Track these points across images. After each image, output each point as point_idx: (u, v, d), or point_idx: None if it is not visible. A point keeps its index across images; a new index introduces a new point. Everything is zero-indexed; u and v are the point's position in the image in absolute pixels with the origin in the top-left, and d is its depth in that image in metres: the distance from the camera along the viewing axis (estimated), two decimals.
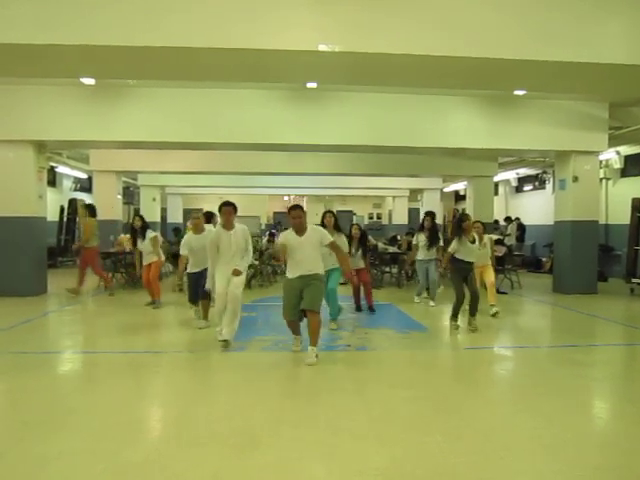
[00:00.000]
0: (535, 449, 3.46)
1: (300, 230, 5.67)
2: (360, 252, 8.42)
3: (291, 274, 5.72)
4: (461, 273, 6.99)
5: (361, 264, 8.39)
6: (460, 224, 7.15)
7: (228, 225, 6.12)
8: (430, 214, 9.47)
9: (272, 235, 13.45)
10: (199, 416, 4.05)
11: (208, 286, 6.27)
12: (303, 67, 6.19)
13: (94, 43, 5.16)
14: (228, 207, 6.11)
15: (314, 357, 5.47)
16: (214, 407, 4.25)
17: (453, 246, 7.01)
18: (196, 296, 7.38)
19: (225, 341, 6.02)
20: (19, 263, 9.86)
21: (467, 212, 7.81)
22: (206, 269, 6.62)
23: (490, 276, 8.15)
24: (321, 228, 6.12)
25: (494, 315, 7.90)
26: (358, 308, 8.53)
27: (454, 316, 7.12)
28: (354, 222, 10.14)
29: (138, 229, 9.04)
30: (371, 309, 8.42)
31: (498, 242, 9.23)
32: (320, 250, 5.78)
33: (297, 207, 5.81)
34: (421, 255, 9.14)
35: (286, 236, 5.80)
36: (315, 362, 5.42)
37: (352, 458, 3.29)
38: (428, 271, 9.24)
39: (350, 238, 8.32)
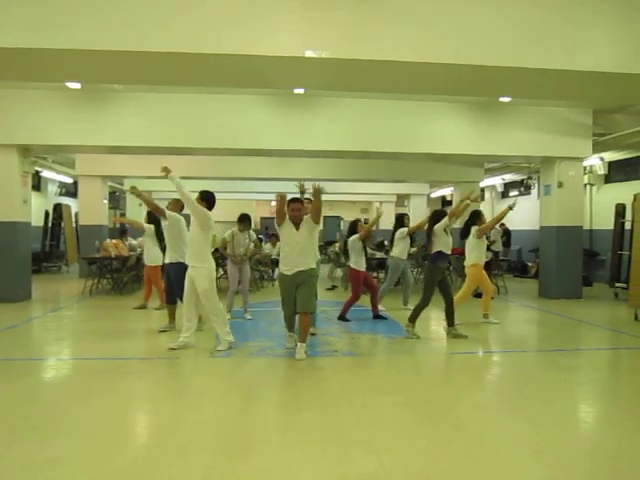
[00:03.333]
0: (524, 454, 3.47)
1: (298, 222, 5.85)
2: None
3: (285, 269, 5.90)
4: (441, 273, 6.90)
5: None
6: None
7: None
8: (406, 214, 9.62)
9: (260, 240, 13.41)
10: (187, 422, 4.02)
11: None
12: (290, 73, 6.19)
13: (83, 48, 5.12)
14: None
15: (303, 353, 5.80)
16: (202, 413, 4.21)
17: (445, 220, 6.86)
18: (171, 296, 7.10)
19: (173, 349, 6.12)
20: (3, 268, 9.75)
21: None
22: (180, 264, 6.52)
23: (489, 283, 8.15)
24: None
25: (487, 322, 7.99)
26: (342, 317, 8.11)
27: (413, 320, 6.91)
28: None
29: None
30: (379, 316, 8.29)
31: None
32: (314, 238, 6.01)
33: (297, 200, 5.93)
34: (401, 253, 9.00)
35: (286, 224, 5.89)
36: (304, 357, 5.76)
37: (340, 464, 3.27)
38: (405, 272, 9.20)
39: (352, 233, 8.23)
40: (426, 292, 6.83)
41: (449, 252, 6.97)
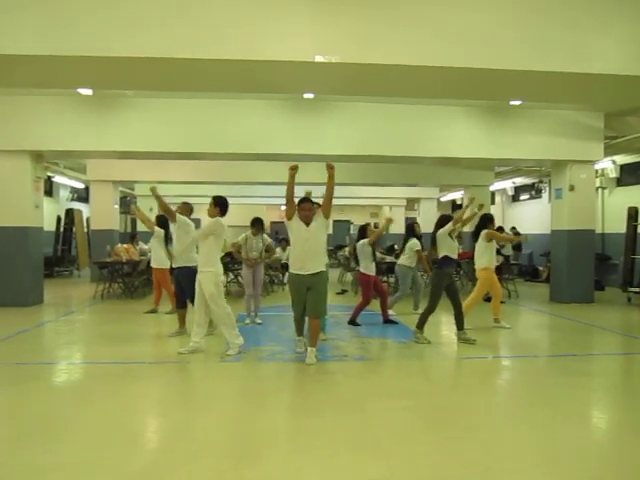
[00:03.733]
0: (534, 461, 3.44)
1: (308, 222, 5.81)
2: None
3: (296, 269, 5.87)
4: (448, 278, 6.91)
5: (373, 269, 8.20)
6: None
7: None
8: (416, 222, 9.80)
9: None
10: (196, 427, 4.03)
11: None
12: (300, 78, 6.21)
13: (93, 54, 5.17)
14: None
15: (313, 357, 5.77)
16: (211, 418, 4.22)
17: (449, 225, 6.91)
18: (182, 300, 7.15)
19: (181, 353, 6.13)
20: (15, 273, 9.83)
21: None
22: (190, 268, 6.62)
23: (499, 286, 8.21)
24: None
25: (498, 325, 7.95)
26: (352, 322, 8.13)
27: (421, 327, 6.91)
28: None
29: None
30: (390, 321, 8.31)
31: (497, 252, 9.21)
32: (324, 237, 5.98)
33: (307, 200, 5.93)
34: (409, 262, 9.06)
35: (295, 220, 5.84)
36: (314, 362, 5.73)
37: (349, 469, 3.26)
38: (414, 278, 9.29)
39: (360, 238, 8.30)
40: (432, 298, 6.84)
41: (455, 256, 6.99)
